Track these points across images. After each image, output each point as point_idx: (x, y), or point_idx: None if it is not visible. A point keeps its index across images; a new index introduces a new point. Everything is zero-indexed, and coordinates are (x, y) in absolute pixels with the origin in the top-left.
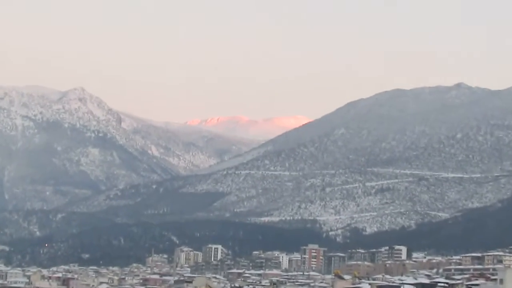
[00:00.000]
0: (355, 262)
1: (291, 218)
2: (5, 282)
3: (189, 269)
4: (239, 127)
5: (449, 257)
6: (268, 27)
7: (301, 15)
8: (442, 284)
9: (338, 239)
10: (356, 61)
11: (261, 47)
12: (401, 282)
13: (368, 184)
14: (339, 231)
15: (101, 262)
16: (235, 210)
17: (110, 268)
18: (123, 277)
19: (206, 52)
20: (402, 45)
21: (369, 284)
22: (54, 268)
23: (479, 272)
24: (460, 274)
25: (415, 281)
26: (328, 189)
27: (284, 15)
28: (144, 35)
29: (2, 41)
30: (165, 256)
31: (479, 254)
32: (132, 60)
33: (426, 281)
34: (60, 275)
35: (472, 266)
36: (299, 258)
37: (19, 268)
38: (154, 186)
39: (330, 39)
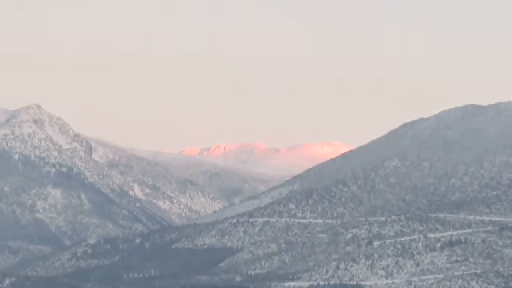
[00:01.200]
0: None
1: (326, 282)
2: None
3: None
4: (254, 158)
5: None
6: (293, 25)
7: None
8: None
9: None
10: (414, 68)
11: (283, 48)
12: None
13: (431, 235)
14: None
15: None
16: (249, 272)
17: None
18: None
19: (207, 54)
20: (475, 46)
21: None
22: None
23: None
24: None
25: None
26: (376, 243)
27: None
28: (127, 34)
29: None
30: None
31: None
32: None
33: None
34: None
35: None
36: None
37: None
38: (137, 240)
39: (377, 38)
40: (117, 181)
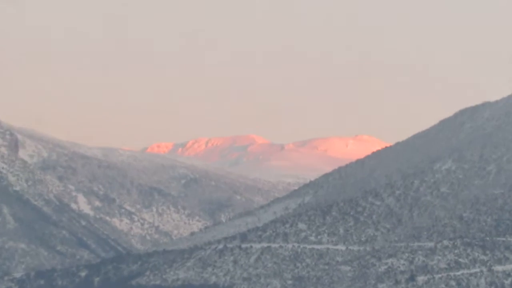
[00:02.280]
0: None
1: None
2: None
3: None
4: (248, 158)
5: None
6: None
7: None
8: None
9: None
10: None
11: (297, 19)
12: None
13: (498, 268)
14: None
15: None
16: None
17: None
18: None
19: (185, 17)
20: None
21: None
22: None
23: None
24: None
25: None
26: (421, 279)
27: None
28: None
29: None
30: None
31: None
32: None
33: None
34: None
35: None
36: None
37: None
38: (83, 274)
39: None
40: (54, 190)
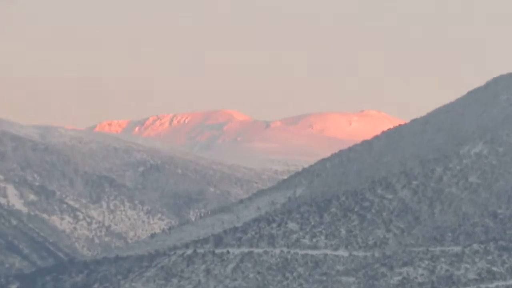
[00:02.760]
0: None
1: None
2: None
3: None
4: (225, 138)
5: None
6: None
7: None
8: None
9: None
10: None
11: None
12: None
13: None
14: None
15: None
16: None
17: None
18: None
19: None
20: None
21: None
22: None
23: None
24: None
25: None
26: None
27: None
28: None
29: None
30: None
31: None
32: None
33: None
34: None
35: None
36: None
37: None
38: (14, 287)
39: None
40: None
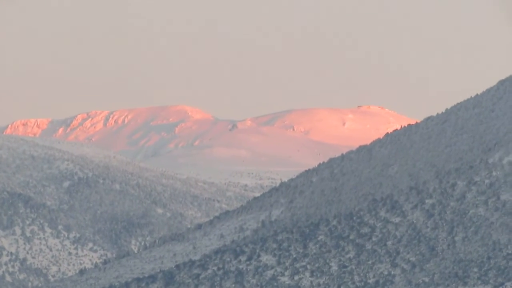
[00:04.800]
0: None
1: None
2: None
3: None
4: (176, 142)
5: None
6: None
7: None
8: None
9: None
10: None
11: None
12: None
13: None
14: None
15: None
16: None
17: None
18: None
19: None
20: None
21: None
22: None
23: None
24: None
25: None
26: None
27: None
28: None
29: None
30: None
31: None
32: None
33: None
34: None
35: None
36: None
37: None
38: None
39: None
40: None
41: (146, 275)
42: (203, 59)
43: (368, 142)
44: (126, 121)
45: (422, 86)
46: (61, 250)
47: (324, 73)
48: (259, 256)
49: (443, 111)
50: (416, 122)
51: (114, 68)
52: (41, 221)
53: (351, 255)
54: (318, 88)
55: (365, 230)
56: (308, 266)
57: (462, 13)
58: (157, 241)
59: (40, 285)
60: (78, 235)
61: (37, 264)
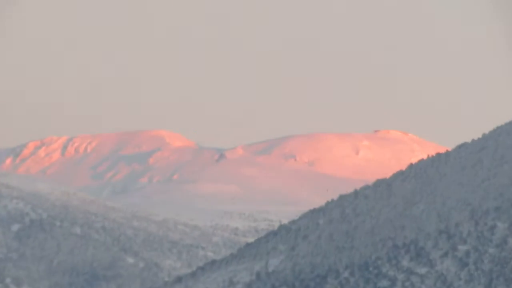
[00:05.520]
0: None
1: None
2: None
3: None
4: (152, 175)
5: None
6: None
7: None
8: None
9: None
10: None
11: None
12: None
13: None
14: None
15: None
16: None
17: None
18: None
19: None
20: None
21: None
22: None
23: None
24: None
25: None
26: None
27: None
28: None
29: None
30: None
31: None
32: None
33: None
34: None
35: None
36: None
37: None
38: None
39: None
40: None
41: None
42: (184, 73)
43: (387, 175)
44: (89, 149)
45: (453, 107)
46: None
47: (333, 91)
48: None
49: (480, 136)
50: (447, 151)
51: (75, 84)
52: None
53: None
54: (325, 109)
55: (384, 283)
56: None
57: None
58: None
59: None
60: None
61: None
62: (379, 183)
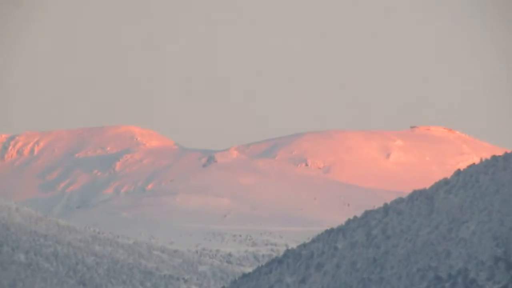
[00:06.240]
0: None
1: None
2: None
3: None
4: (117, 184)
5: None
6: None
7: None
8: None
9: None
10: None
11: None
12: None
13: None
14: None
15: None
16: None
17: None
18: None
19: None
20: None
21: None
22: None
23: None
24: None
25: None
26: None
27: None
28: None
29: None
30: None
31: None
32: None
33: None
34: None
35: None
36: None
37: None
38: None
39: None
40: None
41: None
42: (161, 56)
43: (427, 184)
44: (36, 151)
45: None
46: None
47: (354, 76)
48: None
49: None
50: (505, 153)
51: (19, 69)
52: None
53: None
54: (344, 99)
55: None
56: None
57: None
58: None
59: None
60: None
61: None
62: (417, 195)
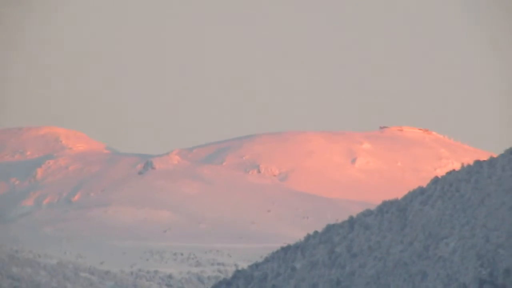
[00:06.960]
0: None
1: None
2: None
3: None
4: (40, 194)
5: None
6: None
7: None
8: None
9: None
10: None
11: None
12: None
13: None
14: None
15: None
16: None
17: None
18: None
19: None
20: None
21: None
22: None
23: None
24: None
25: None
26: None
27: None
28: None
29: None
30: None
31: None
32: None
33: None
34: None
35: None
36: None
37: None
38: None
39: None
40: None
41: None
42: (93, 50)
43: (400, 194)
44: None
45: (499, 93)
46: None
47: (315, 70)
48: None
49: None
50: (491, 157)
51: None
52: None
53: None
54: (304, 95)
55: None
56: None
57: None
58: None
59: None
60: None
61: None
62: (387, 206)
